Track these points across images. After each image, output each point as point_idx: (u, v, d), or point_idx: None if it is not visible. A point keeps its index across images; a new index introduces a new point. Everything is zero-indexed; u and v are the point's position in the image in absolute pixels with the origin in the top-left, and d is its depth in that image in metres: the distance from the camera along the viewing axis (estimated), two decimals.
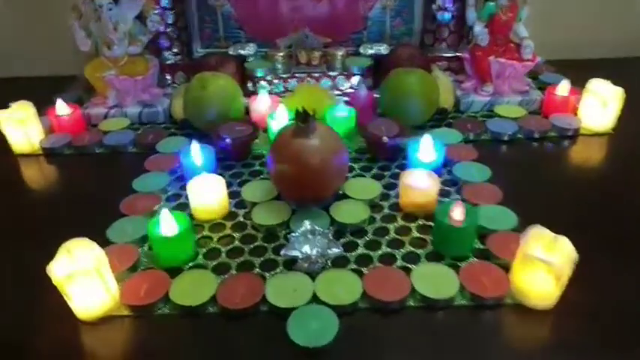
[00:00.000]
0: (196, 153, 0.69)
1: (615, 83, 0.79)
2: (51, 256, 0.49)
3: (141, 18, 0.86)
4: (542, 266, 0.48)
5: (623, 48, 1.12)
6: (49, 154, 0.79)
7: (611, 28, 1.12)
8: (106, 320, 0.51)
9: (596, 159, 0.76)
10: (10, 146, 0.79)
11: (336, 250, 0.55)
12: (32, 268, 0.51)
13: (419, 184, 0.62)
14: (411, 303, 0.52)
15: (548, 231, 0.50)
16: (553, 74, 0.97)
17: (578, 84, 0.84)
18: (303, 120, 0.59)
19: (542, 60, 1.01)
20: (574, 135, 0.80)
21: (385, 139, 0.71)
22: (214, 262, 0.57)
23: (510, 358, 0.47)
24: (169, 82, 0.94)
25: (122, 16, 0.82)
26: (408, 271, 0.55)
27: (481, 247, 0.58)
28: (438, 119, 0.84)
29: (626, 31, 1.13)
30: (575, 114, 0.83)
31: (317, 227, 0.57)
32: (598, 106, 0.79)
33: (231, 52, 0.90)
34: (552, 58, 1.03)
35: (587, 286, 0.52)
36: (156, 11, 0.86)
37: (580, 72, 0.96)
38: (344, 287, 0.52)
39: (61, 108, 0.82)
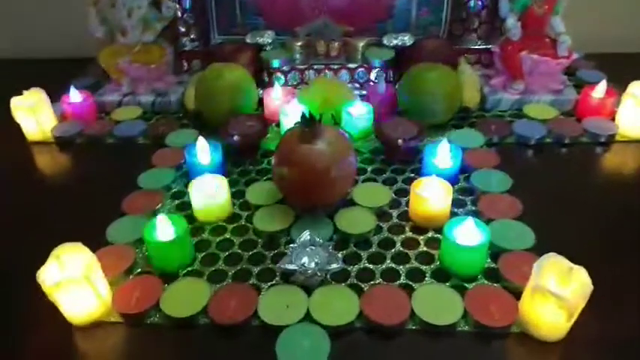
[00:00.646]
0: (202, 150, 0.67)
1: None
2: (49, 251, 0.49)
3: (157, 3, 0.83)
4: (554, 300, 0.44)
5: None
6: (60, 142, 0.79)
7: None
8: (97, 326, 0.51)
9: (631, 169, 0.70)
10: (24, 134, 0.79)
11: (335, 266, 0.52)
12: (32, 262, 0.50)
13: (430, 195, 0.58)
14: (411, 326, 0.49)
15: (564, 260, 0.46)
16: (592, 71, 0.90)
17: (619, 81, 0.78)
18: (309, 123, 0.56)
19: (581, 54, 0.94)
20: (608, 141, 0.74)
21: (400, 141, 0.67)
22: (211, 269, 0.55)
23: None
24: (186, 69, 0.92)
25: (137, 2, 0.80)
26: (410, 289, 0.52)
27: (493, 265, 0.54)
28: (461, 118, 0.79)
29: None
30: (613, 118, 0.76)
31: (317, 238, 0.55)
32: (638, 110, 0.72)
33: (248, 40, 0.87)
34: (593, 52, 0.96)
35: (603, 315, 0.48)
36: None
37: (622, 68, 0.89)
38: (340, 305, 0.50)
39: (74, 95, 0.81)
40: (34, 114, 0.76)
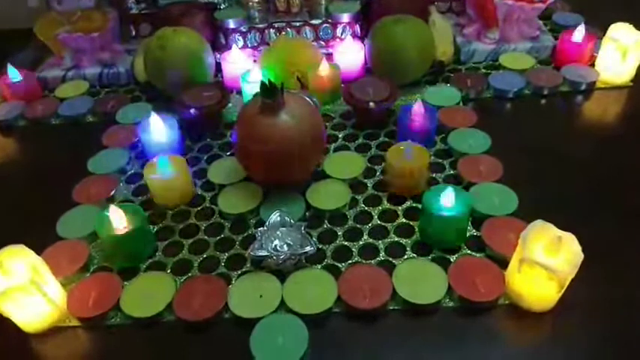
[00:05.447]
0: (156, 127, 0.61)
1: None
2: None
3: None
4: (544, 272, 0.41)
5: None
6: (2, 126, 0.72)
7: None
8: (54, 331, 0.46)
9: (613, 118, 0.67)
10: None
11: (308, 249, 0.48)
12: None
13: (406, 162, 0.54)
14: (394, 307, 0.46)
15: (552, 228, 0.43)
16: (568, 14, 0.85)
17: (598, 23, 0.75)
18: (270, 95, 0.51)
19: None
20: (589, 89, 0.70)
21: (372, 104, 0.63)
22: (174, 259, 0.51)
23: None
24: (134, 34, 0.84)
25: None
26: (391, 266, 0.48)
27: (476, 234, 0.51)
28: (435, 73, 0.74)
29: None
30: (593, 64, 0.72)
31: (288, 219, 0.50)
32: (618, 55, 0.68)
33: None
34: None
35: (591, 279, 0.45)
36: None
37: (599, 8, 0.85)
38: (316, 291, 0.46)
39: (13, 74, 0.73)
40: None
